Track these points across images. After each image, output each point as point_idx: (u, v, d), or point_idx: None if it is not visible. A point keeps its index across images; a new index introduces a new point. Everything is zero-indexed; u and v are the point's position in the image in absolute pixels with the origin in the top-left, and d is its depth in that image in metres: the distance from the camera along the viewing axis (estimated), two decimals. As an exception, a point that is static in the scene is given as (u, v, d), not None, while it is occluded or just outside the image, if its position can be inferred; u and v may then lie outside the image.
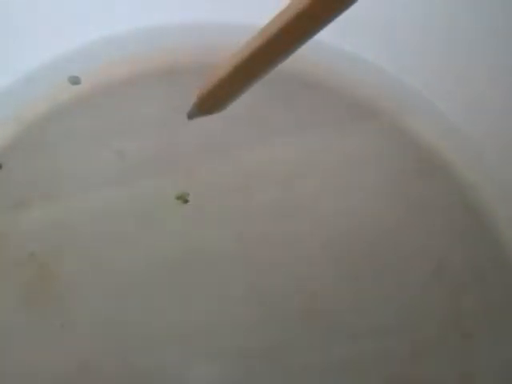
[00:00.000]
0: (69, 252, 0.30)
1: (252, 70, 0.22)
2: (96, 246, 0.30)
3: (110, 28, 0.33)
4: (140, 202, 0.31)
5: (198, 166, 0.31)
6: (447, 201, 0.31)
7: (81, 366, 0.28)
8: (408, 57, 0.32)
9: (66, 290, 0.29)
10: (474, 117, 0.31)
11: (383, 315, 0.29)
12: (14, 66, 0.32)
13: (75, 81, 0.28)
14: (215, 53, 0.32)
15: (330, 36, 0.32)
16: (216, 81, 0.23)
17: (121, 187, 0.31)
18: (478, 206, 0.31)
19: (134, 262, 0.29)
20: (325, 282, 0.29)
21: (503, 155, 0.30)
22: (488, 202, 0.31)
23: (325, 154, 0.31)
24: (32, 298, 0.29)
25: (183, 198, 0.30)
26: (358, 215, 0.30)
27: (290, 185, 0.31)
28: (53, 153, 0.31)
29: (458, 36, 0.30)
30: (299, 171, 0.31)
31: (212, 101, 0.24)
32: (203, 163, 0.31)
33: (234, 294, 0.29)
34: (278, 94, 0.32)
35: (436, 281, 0.29)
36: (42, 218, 0.30)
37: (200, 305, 0.29)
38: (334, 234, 0.30)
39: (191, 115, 0.25)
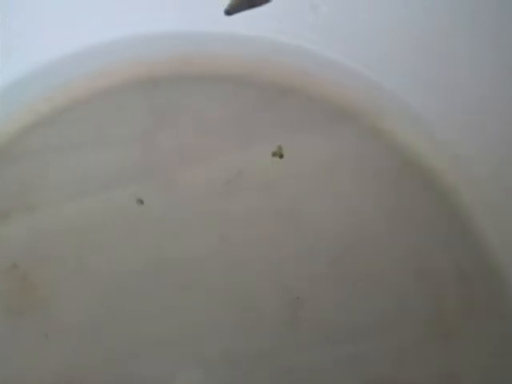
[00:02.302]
0: (51, 262, 0.30)
1: None
2: (78, 255, 0.30)
3: (92, 38, 0.33)
4: (123, 211, 0.30)
5: (181, 171, 0.31)
6: (428, 202, 0.31)
7: (66, 374, 0.28)
8: (386, 61, 0.32)
9: (50, 300, 0.29)
10: (452, 119, 0.31)
11: (367, 317, 0.29)
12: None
13: (140, 201, 0.31)
14: (195, 62, 0.32)
15: (311, 42, 0.33)
16: None
17: (104, 196, 0.31)
18: (459, 208, 0.31)
19: (118, 269, 0.29)
20: (309, 285, 0.29)
21: (481, 156, 0.31)
22: (468, 203, 0.31)
23: (306, 158, 0.31)
24: (16, 308, 0.29)
25: (279, 154, 0.31)
26: (341, 218, 0.30)
27: (273, 188, 0.31)
28: (35, 163, 0.31)
29: (434, 39, 0.31)
30: (282, 174, 0.31)
31: None
32: (186, 168, 0.31)
33: (219, 299, 0.29)
34: (260, 99, 0.33)
35: (419, 282, 0.30)
36: (24, 228, 0.30)
37: (185, 310, 0.29)
38: (317, 237, 0.30)
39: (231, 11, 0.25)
